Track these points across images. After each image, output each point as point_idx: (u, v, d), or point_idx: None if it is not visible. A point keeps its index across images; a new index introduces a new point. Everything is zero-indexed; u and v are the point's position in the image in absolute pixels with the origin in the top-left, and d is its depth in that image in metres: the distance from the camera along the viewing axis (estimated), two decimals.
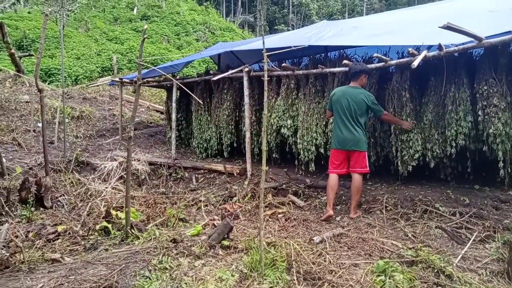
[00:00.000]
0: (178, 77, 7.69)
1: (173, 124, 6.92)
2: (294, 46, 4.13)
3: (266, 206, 4.72)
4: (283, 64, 5.30)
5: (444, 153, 4.52)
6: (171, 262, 3.08)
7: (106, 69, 15.98)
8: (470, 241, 3.41)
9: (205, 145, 7.00)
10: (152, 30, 21.49)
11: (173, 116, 6.92)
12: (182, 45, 21.18)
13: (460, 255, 3.17)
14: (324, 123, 5.23)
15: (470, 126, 4.26)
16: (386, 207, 4.27)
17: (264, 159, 3.02)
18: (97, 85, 12.06)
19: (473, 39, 3.65)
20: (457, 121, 4.32)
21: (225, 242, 3.46)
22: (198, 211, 4.83)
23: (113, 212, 4.21)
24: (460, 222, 3.78)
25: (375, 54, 4.42)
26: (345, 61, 4.64)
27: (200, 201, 5.10)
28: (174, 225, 4.20)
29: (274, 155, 6.14)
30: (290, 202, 4.84)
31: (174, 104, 6.93)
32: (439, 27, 3.25)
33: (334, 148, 4.30)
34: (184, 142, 8.35)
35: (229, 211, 4.64)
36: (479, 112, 4.13)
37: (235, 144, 6.73)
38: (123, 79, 8.85)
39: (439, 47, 3.87)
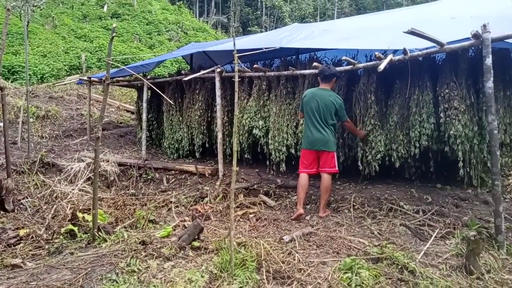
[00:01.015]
0: (149, 77, 7.57)
1: (144, 125, 6.80)
2: (266, 48, 4.19)
3: (237, 207, 4.73)
4: (254, 66, 5.34)
5: (408, 153, 4.70)
6: (140, 265, 3.04)
7: (74, 67, 15.48)
8: (432, 238, 3.56)
9: (176, 145, 6.92)
10: (123, 28, 21.03)
11: (144, 116, 6.80)
12: (154, 45, 20.85)
13: (423, 251, 3.31)
14: (294, 124, 5.30)
15: (433, 127, 4.45)
16: (353, 206, 4.38)
17: (235, 160, 3.03)
18: (64, 84, 11.66)
19: (436, 44, 3.82)
20: (421, 123, 4.50)
21: (196, 243, 3.44)
22: (169, 212, 4.78)
23: (80, 215, 4.09)
24: (423, 219, 3.94)
25: (344, 57, 4.54)
26: (315, 64, 4.73)
27: (171, 202, 5.05)
28: (144, 227, 4.13)
29: (246, 156, 6.16)
30: (261, 202, 4.87)
31: (144, 104, 6.82)
32: (404, 32, 3.38)
33: (304, 148, 4.38)
34: (155, 142, 8.22)
35: (200, 212, 4.62)
36: (441, 114, 4.32)
37: (207, 145, 6.70)
38: (92, 78, 8.61)
39: (404, 51, 4.02)
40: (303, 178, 4.33)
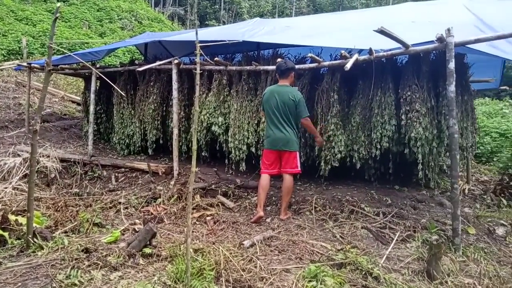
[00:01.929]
0: (98, 66, 6.96)
1: (91, 117, 6.22)
2: (229, 40, 3.92)
3: (193, 208, 4.43)
4: (215, 59, 5.04)
5: (369, 154, 4.67)
6: (82, 277, 2.66)
7: (13, 52, 14.12)
8: (394, 241, 3.52)
9: (127, 141, 6.43)
10: (71, 13, 19.61)
11: (91, 108, 6.23)
12: (105, 32, 19.66)
13: (385, 256, 3.24)
14: (256, 121, 5.10)
15: (394, 129, 4.45)
16: (315, 207, 4.26)
17: (194, 160, 2.75)
18: (0, 69, 10.52)
19: (401, 46, 3.79)
20: (382, 124, 4.49)
21: (147, 250, 3.11)
22: (117, 214, 4.36)
23: (12, 218, 3.57)
24: (383, 222, 3.90)
25: (309, 54, 4.40)
26: (279, 59, 4.54)
27: (120, 203, 4.62)
28: (88, 231, 3.70)
29: (203, 154, 5.85)
30: (219, 204, 4.61)
31: (92, 96, 6.24)
32: (374, 30, 3.29)
33: (265, 148, 4.18)
34: (103, 137, 7.62)
35: (152, 214, 4.26)
36: (402, 117, 4.33)
37: (161, 141, 6.29)
38: (32, 64, 7.79)
39: (370, 51, 3.96)
40: (264, 179, 4.13)
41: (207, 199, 4.80)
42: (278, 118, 4.05)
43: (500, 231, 4.06)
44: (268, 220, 4.09)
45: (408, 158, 4.59)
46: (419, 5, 5.93)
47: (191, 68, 5.50)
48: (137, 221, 4.03)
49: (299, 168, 4.19)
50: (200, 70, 5.58)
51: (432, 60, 4.42)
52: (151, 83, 6.08)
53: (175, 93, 5.35)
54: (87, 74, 7.32)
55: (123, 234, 3.61)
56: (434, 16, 4.96)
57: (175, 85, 5.33)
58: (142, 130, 6.20)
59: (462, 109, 4.48)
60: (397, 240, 3.57)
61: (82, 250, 3.08)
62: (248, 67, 5.03)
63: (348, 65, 3.70)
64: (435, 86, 4.40)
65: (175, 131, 5.35)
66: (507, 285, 2.87)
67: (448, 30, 3.53)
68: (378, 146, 4.54)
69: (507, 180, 5.72)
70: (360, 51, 4.24)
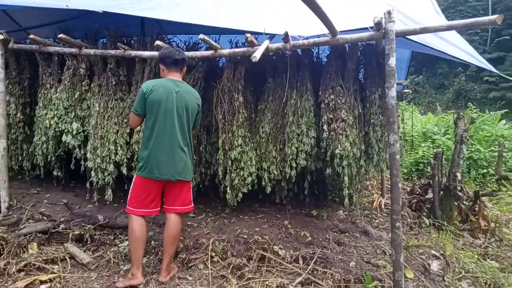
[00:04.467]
0: None
1: None
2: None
3: (21, 270, 2.78)
4: (60, 35, 3.32)
5: (282, 174, 3.60)
6: None
7: None
8: None
9: None
10: None
11: None
12: None
13: None
14: (128, 130, 3.60)
15: (313, 142, 3.44)
16: (212, 257, 2.99)
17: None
18: None
19: (327, 32, 2.74)
20: (299, 136, 3.44)
21: None
22: None
23: None
24: (306, 275, 2.82)
25: (201, 36, 3.04)
26: (158, 42, 3.13)
27: None
28: None
29: (56, 173, 4.11)
30: (67, 257, 3.02)
31: None
32: None
33: (145, 176, 2.68)
34: None
35: None
36: (324, 127, 3.33)
37: None
38: None
39: (285, 37, 2.83)
40: (140, 224, 2.67)
41: (50, 248, 3.16)
42: (173, 129, 2.65)
43: (434, 265, 3.36)
44: (140, 287, 2.66)
45: (327, 176, 3.64)
46: None
47: (31, 49, 3.70)
48: None
49: (192, 203, 2.88)
50: (45, 53, 3.85)
51: (358, 54, 3.52)
52: None
53: (0, 86, 3.49)
54: None
55: None
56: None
57: (0, 75, 3.48)
58: None
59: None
60: None
61: None
62: (114, 52, 3.47)
63: (257, 54, 2.52)
64: (361, 89, 3.51)
65: (2, 144, 3.53)
66: None
67: (389, 13, 2.58)
68: (294, 164, 3.49)
69: (419, 191, 5.27)
70: (272, 38, 3.09)
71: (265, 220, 3.69)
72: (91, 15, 4.08)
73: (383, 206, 4.98)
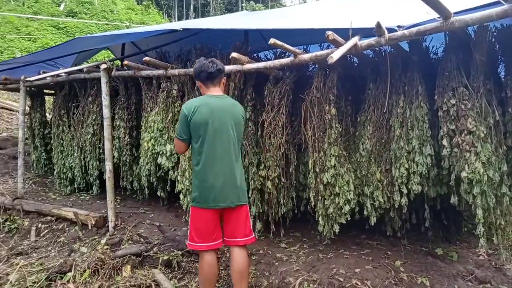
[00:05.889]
0: (33, 78, 5.20)
1: (20, 146, 4.75)
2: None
3: None
4: (145, 58, 3.36)
5: (390, 202, 2.87)
6: None
7: None
8: None
9: (69, 174, 4.90)
10: (76, 28, 18.85)
11: (20, 133, 4.74)
12: None
13: None
14: None
15: (430, 162, 2.64)
16: None
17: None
18: None
19: (437, 16, 2.01)
20: (409, 154, 2.69)
21: None
22: None
23: None
24: None
25: (271, 41, 2.55)
26: (233, 54, 2.85)
27: (9, 282, 3.07)
28: None
29: (160, 193, 4.25)
30: (153, 284, 2.95)
31: (21, 117, 4.78)
32: None
33: (200, 206, 2.39)
34: (52, 168, 6.04)
35: None
36: (444, 141, 2.50)
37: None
38: None
39: (378, 29, 2.20)
40: (208, 264, 2.37)
41: (142, 272, 3.16)
42: (224, 150, 2.34)
43: None
44: None
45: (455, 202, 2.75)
46: None
47: (127, 75, 3.90)
48: None
49: (253, 233, 2.47)
50: (146, 77, 4.03)
51: (492, 41, 2.59)
52: (91, 98, 4.53)
53: (105, 112, 3.76)
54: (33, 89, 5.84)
55: None
56: None
57: (105, 100, 3.75)
58: (83, 161, 4.65)
59: None
60: None
61: None
62: None
63: (335, 55, 1.99)
64: (498, 88, 2.55)
65: (108, 166, 3.77)
66: None
67: None
68: (404, 190, 2.74)
69: None
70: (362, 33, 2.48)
71: (371, 258, 2.99)
72: (193, 38, 4.17)
73: None
